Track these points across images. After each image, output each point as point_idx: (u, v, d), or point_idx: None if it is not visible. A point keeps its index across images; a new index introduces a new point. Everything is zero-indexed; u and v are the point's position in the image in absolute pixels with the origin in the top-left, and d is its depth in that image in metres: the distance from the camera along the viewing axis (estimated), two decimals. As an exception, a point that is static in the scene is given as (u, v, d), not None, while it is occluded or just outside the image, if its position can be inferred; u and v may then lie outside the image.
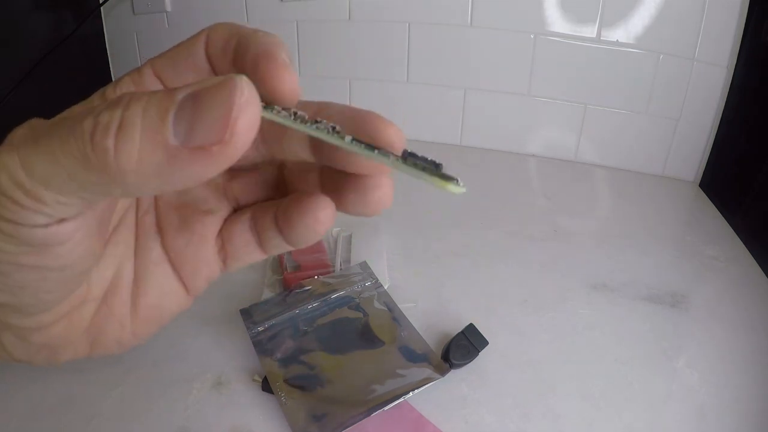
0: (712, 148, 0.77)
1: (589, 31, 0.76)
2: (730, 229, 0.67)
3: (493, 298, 0.53)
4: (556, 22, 0.76)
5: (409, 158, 0.15)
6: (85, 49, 0.92)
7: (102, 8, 0.92)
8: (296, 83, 0.17)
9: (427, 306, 0.51)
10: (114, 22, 0.94)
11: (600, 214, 0.72)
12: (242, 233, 0.20)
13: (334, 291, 0.50)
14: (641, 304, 0.53)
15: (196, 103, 0.13)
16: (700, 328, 0.51)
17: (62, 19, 0.85)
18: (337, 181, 0.18)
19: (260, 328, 0.46)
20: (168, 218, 0.20)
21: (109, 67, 0.97)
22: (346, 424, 0.38)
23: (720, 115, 0.75)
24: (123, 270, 0.20)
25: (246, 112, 0.13)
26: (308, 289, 0.50)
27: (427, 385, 0.41)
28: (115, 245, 0.19)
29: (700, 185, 0.79)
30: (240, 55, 0.17)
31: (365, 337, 0.46)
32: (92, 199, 0.15)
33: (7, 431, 0.38)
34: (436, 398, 0.41)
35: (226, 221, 0.20)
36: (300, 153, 0.19)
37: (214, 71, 0.19)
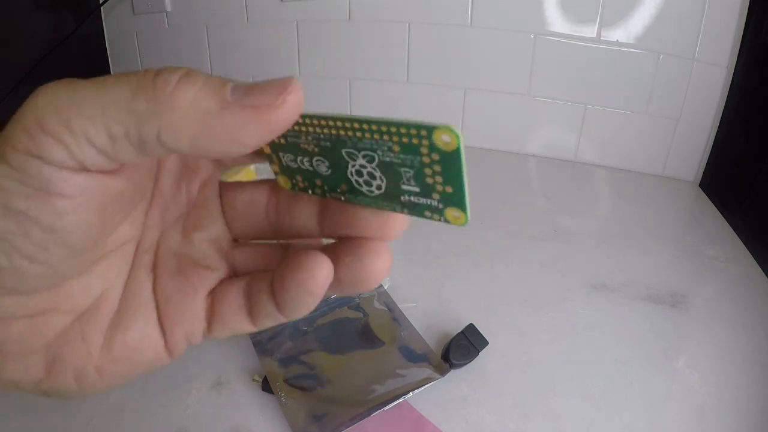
0: (712, 148, 0.77)
1: (589, 31, 0.76)
2: (730, 229, 0.67)
3: (493, 298, 0.53)
4: (556, 22, 0.76)
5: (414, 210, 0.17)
6: (85, 49, 0.92)
7: (102, 8, 0.92)
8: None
9: (427, 306, 0.51)
10: (114, 22, 0.94)
11: (600, 214, 0.72)
12: (234, 297, 0.19)
13: (334, 291, 0.50)
14: (641, 304, 0.53)
15: (254, 84, 0.15)
16: (700, 328, 0.51)
17: (62, 19, 0.85)
18: (335, 253, 0.18)
19: (260, 328, 0.46)
20: (166, 262, 0.20)
21: (109, 67, 0.97)
22: (346, 424, 0.38)
23: (720, 115, 0.75)
24: (108, 296, 0.19)
25: (297, 92, 0.15)
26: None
27: (427, 385, 0.41)
28: (107, 268, 0.19)
29: (700, 185, 0.79)
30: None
31: (365, 337, 0.46)
32: (116, 150, 0.15)
33: (7, 431, 0.38)
34: (436, 398, 0.41)
35: (222, 282, 0.20)
36: (308, 222, 0.19)
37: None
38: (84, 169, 0.15)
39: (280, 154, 0.18)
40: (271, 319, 0.19)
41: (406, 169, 0.15)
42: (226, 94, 0.14)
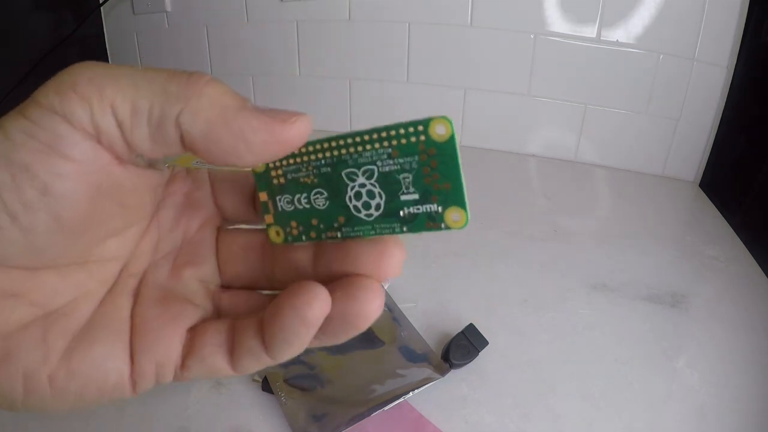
0: (712, 148, 0.77)
1: (589, 31, 0.76)
2: (730, 229, 0.67)
3: (493, 298, 0.53)
4: (556, 22, 0.76)
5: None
6: (85, 49, 0.92)
7: (102, 8, 0.92)
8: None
9: (427, 306, 0.51)
10: (114, 22, 0.94)
11: (600, 214, 0.72)
12: (216, 333, 0.18)
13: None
14: (641, 304, 0.53)
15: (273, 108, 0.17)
16: (700, 328, 0.51)
17: (62, 19, 0.85)
18: (328, 289, 0.18)
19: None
20: (151, 289, 0.19)
21: (109, 67, 0.97)
22: (346, 424, 0.38)
23: (720, 115, 0.75)
24: (81, 305, 0.18)
25: (308, 120, 0.17)
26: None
27: (427, 385, 0.41)
28: (87, 276, 0.18)
29: (700, 185, 0.79)
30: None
31: (365, 337, 0.46)
32: (132, 125, 0.15)
33: None
34: (436, 398, 0.41)
35: (204, 320, 0.19)
36: (302, 264, 0.19)
37: None
38: (96, 138, 0.15)
39: (277, 198, 0.19)
40: (254, 358, 0.18)
41: (405, 175, 0.16)
42: (247, 102, 0.16)
